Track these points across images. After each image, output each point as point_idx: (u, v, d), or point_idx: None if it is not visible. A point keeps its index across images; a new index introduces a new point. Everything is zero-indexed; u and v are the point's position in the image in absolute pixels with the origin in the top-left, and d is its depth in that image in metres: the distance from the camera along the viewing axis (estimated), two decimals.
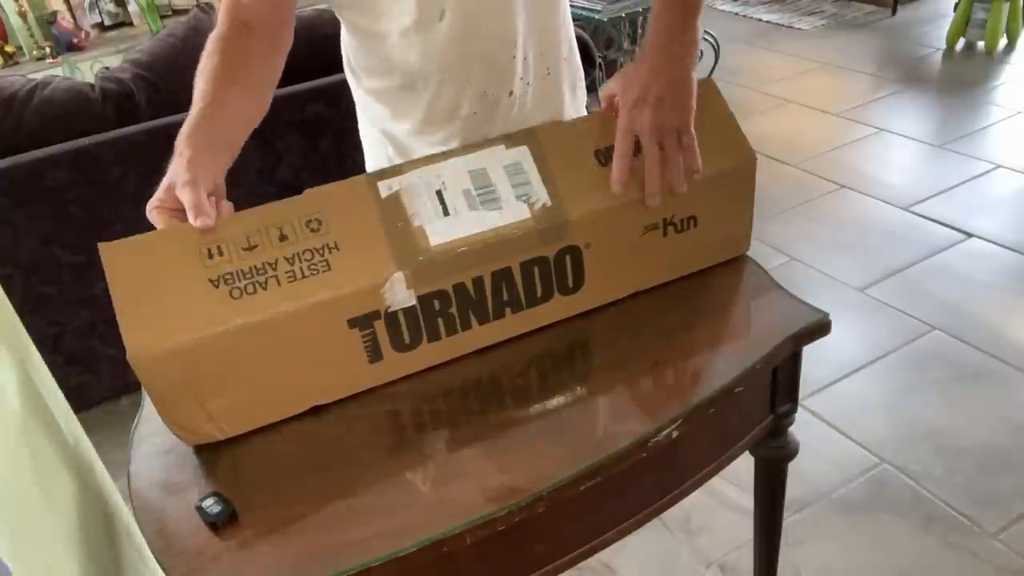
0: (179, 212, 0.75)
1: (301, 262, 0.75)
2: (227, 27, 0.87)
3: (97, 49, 3.68)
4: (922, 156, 2.93)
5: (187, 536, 0.69)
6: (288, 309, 0.74)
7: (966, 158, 2.83)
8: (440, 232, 0.79)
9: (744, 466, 0.97)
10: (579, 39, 2.04)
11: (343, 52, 1.06)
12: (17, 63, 3.60)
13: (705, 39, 3.35)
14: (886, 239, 2.46)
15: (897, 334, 2.06)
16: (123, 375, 0.74)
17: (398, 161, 1.05)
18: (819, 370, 1.96)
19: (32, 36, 3.63)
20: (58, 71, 3.41)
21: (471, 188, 0.81)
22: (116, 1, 3.89)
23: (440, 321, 0.82)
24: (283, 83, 1.91)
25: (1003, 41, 3.70)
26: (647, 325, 0.88)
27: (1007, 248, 2.33)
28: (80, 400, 1.69)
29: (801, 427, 0.94)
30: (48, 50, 3.57)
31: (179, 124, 0.81)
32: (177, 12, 3.86)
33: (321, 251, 0.76)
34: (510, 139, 0.84)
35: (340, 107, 1.14)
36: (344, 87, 1.10)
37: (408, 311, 0.80)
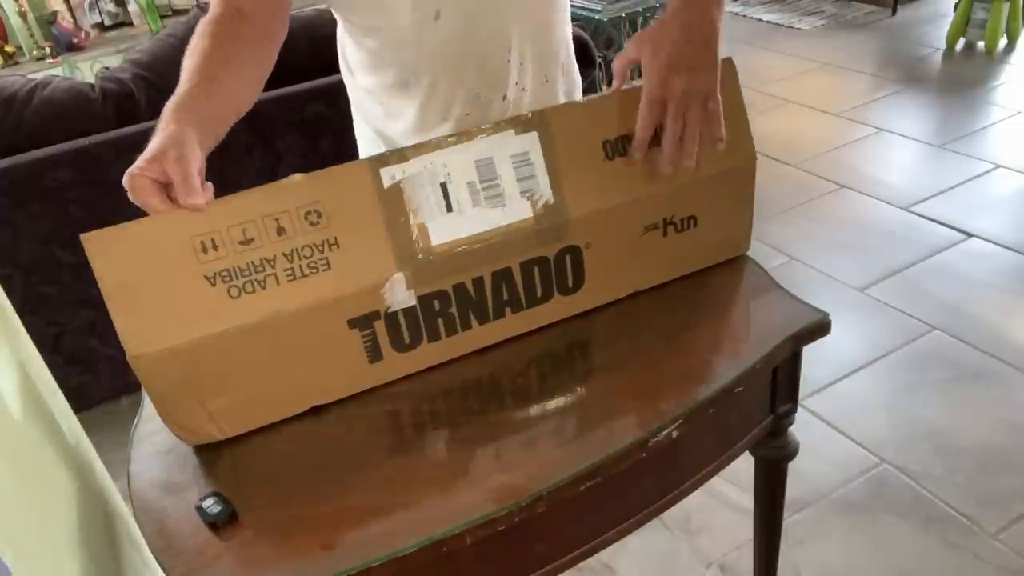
0: (161, 185, 0.70)
1: (300, 259, 0.74)
2: (220, 11, 0.85)
3: (97, 49, 3.68)
4: (922, 156, 2.93)
5: (187, 536, 0.69)
6: (288, 309, 0.74)
7: (966, 158, 2.83)
8: (442, 231, 0.78)
9: (744, 466, 0.97)
10: (579, 39, 2.04)
11: (339, 49, 1.06)
12: (17, 63, 3.60)
13: None
14: (886, 239, 2.46)
15: (897, 334, 2.06)
16: (123, 375, 0.74)
17: None
18: (819, 370, 1.96)
19: (32, 36, 3.63)
20: (58, 71, 3.41)
21: (476, 181, 0.79)
22: (116, 1, 3.89)
23: (440, 321, 0.82)
24: (283, 83, 1.92)
25: (1003, 41, 3.70)
26: (647, 325, 0.88)
27: (1007, 248, 2.33)
28: (80, 400, 1.69)
29: (801, 427, 0.94)
30: (48, 50, 3.57)
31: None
32: (177, 12, 3.86)
33: (321, 247, 0.74)
34: (521, 123, 0.80)
35: (340, 107, 1.14)
36: (344, 87, 1.10)
37: (408, 311, 0.80)
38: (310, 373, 0.79)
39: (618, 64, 0.82)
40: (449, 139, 0.78)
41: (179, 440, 0.78)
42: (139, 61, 1.93)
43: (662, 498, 0.83)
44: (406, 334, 0.81)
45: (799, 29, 4.31)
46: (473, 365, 0.85)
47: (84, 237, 0.69)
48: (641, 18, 3.26)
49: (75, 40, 3.64)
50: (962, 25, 3.73)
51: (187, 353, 0.72)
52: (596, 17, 3.17)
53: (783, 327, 0.84)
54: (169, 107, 0.75)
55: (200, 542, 0.68)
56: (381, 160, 0.76)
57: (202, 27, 0.84)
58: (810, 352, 0.87)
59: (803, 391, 1.01)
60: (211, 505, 0.70)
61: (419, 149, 0.77)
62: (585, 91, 1.17)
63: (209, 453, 0.78)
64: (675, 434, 0.74)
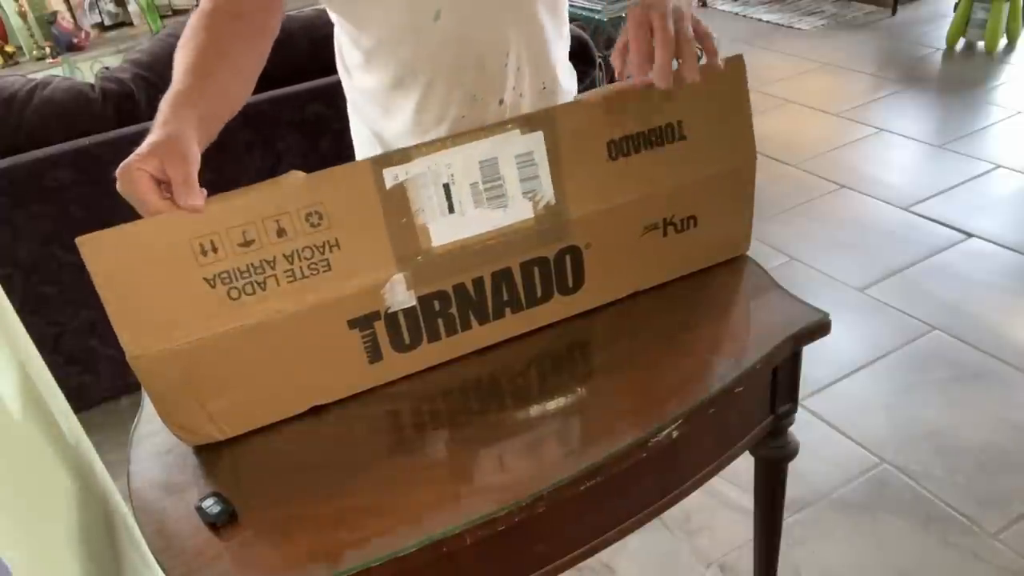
0: (157, 181, 0.68)
1: (300, 260, 0.73)
2: (214, 5, 0.83)
3: (97, 49, 3.68)
4: (922, 156, 2.93)
5: (187, 536, 0.69)
6: (288, 310, 0.74)
7: (966, 158, 2.83)
8: (443, 232, 0.78)
9: (744, 466, 0.97)
10: (579, 39, 2.04)
11: (336, 49, 1.05)
12: (17, 63, 3.60)
13: None
14: (886, 239, 2.46)
15: (897, 334, 2.06)
16: (123, 375, 0.74)
17: None
18: (819, 370, 1.96)
19: (32, 36, 3.63)
20: (58, 71, 3.41)
21: (479, 182, 0.78)
22: (116, 1, 3.89)
23: (440, 321, 0.82)
24: (283, 83, 1.92)
25: (1003, 41, 3.70)
26: (647, 325, 0.88)
27: (1007, 248, 2.33)
28: (80, 400, 1.69)
29: (801, 427, 0.94)
30: (48, 50, 3.57)
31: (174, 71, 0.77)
32: (177, 12, 3.87)
33: (321, 249, 0.74)
34: (528, 122, 0.79)
35: (340, 107, 1.14)
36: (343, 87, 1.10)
37: (408, 311, 0.80)
38: (310, 373, 0.79)
39: (617, 50, 0.80)
40: (455, 138, 0.77)
41: (179, 440, 0.78)
42: (139, 61, 1.93)
43: (662, 498, 0.83)
44: (406, 334, 0.81)
45: (799, 29, 4.31)
46: (473, 365, 0.85)
47: (80, 241, 0.68)
48: None
49: (75, 40, 3.65)
50: (962, 25, 3.73)
51: (187, 354, 0.72)
52: (596, 17, 3.17)
53: (783, 327, 0.84)
54: (166, 104, 0.73)
55: (200, 542, 0.68)
56: (384, 160, 0.75)
57: (197, 20, 0.82)
58: (810, 352, 0.87)
59: (803, 391, 1.01)
60: (211, 505, 0.70)
61: (423, 149, 0.76)
62: (585, 91, 1.17)
63: (209, 453, 0.78)
64: (675, 434, 0.74)
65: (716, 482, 1.18)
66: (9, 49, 3.61)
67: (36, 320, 1.87)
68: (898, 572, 1.48)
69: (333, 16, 0.99)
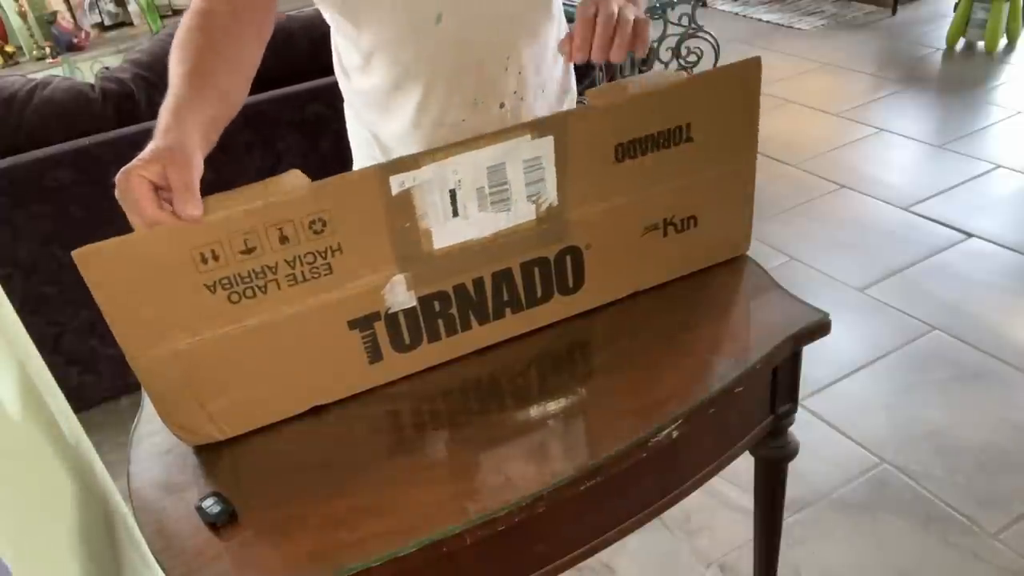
0: (156, 189, 0.67)
1: (302, 265, 0.73)
2: (208, 5, 0.82)
3: (97, 49, 3.68)
4: (922, 156, 2.93)
5: (187, 536, 0.69)
6: (288, 311, 0.74)
7: (966, 158, 2.83)
8: (445, 235, 0.78)
9: (744, 466, 0.97)
10: None
11: (333, 51, 1.04)
12: (17, 63, 3.60)
13: (705, 39, 3.35)
14: (886, 239, 2.46)
15: (897, 334, 2.06)
16: (123, 375, 0.74)
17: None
18: (819, 370, 1.96)
19: (32, 36, 3.63)
20: (58, 71, 3.41)
21: (485, 186, 0.77)
22: (116, 1, 3.89)
23: (440, 322, 0.82)
24: (283, 83, 1.92)
25: (1003, 41, 3.70)
26: (647, 325, 0.88)
27: (1007, 248, 2.33)
28: (80, 400, 1.69)
29: (801, 427, 0.94)
30: (48, 50, 3.57)
31: (170, 75, 0.76)
32: (177, 12, 3.86)
33: (324, 253, 0.73)
34: (539, 127, 0.77)
35: (340, 107, 1.13)
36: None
37: (408, 312, 0.80)
38: (310, 373, 0.79)
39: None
40: (465, 144, 0.75)
41: (179, 440, 0.78)
42: (139, 61, 1.93)
43: (662, 498, 0.83)
44: (406, 335, 0.81)
45: (799, 29, 4.31)
46: (473, 365, 0.85)
47: (77, 255, 0.66)
48: None
49: (75, 40, 3.65)
50: (962, 25, 3.73)
51: (187, 354, 0.72)
52: None
53: (783, 327, 0.84)
54: (167, 112, 0.72)
55: (200, 542, 0.68)
56: (392, 167, 0.73)
57: (191, 20, 0.81)
58: (810, 352, 0.87)
59: (803, 391, 1.01)
60: (211, 505, 0.70)
61: (433, 156, 0.74)
62: (584, 92, 1.17)
63: (209, 453, 0.78)
64: (675, 434, 0.74)
65: (716, 482, 1.18)
66: (9, 49, 3.61)
67: (36, 320, 1.86)
68: (898, 572, 1.48)
69: (329, 19, 0.98)
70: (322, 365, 0.79)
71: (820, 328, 0.84)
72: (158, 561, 0.67)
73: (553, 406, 0.79)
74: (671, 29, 3.34)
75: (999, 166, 2.75)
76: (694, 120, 0.83)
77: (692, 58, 3.36)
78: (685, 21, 3.33)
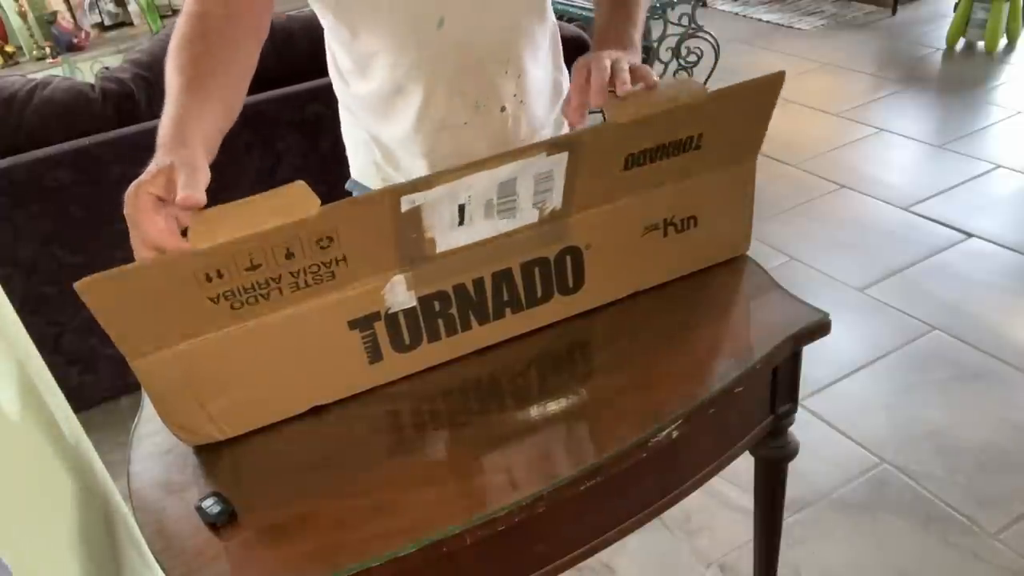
0: (162, 204, 0.67)
1: (306, 275, 0.72)
2: (204, 7, 0.81)
3: (97, 49, 3.68)
4: (922, 156, 2.93)
5: (187, 536, 0.69)
6: (288, 312, 0.74)
7: (966, 158, 2.83)
8: (449, 241, 0.77)
9: (744, 466, 0.97)
10: (578, 39, 2.04)
11: (328, 54, 1.03)
12: (17, 63, 3.60)
13: (705, 39, 3.35)
14: (886, 239, 2.46)
15: (897, 334, 2.06)
16: (123, 375, 0.74)
17: (385, 166, 1.03)
18: (819, 370, 1.96)
19: (32, 36, 3.63)
20: (58, 71, 3.42)
21: (494, 199, 0.77)
22: (116, 1, 3.89)
23: (440, 322, 0.82)
24: (283, 83, 1.92)
25: (1003, 41, 3.70)
26: (647, 325, 0.88)
27: (1007, 248, 2.33)
28: (80, 400, 1.69)
29: (801, 427, 0.94)
30: (48, 50, 3.58)
31: (168, 84, 0.76)
32: (177, 12, 3.86)
33: (328, 264, 0.72)
34: (556, 145, 0.77)
35: (338, 108, 1.13)
36: None
37: (408, 312, 0.80)
38: (310, 374, 0.79)
39: (565, 102, 0.87)
40: (482, 163, 0.74)
41: (179, 440, 0.78)
42: (139, 61, 1.93)
43: (662, 498, 0.83)
44: (406, 335, 0.81)
45: (799, 29, 4.31)
46: (473, 365, 0.85)
47: (79, 286, 0.64)
48: None
49: (75, 40, 3.65)
50: (962, 25, 3.74)
51: (187, 354, 0.72)
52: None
53: (783, 327, 0.84)
54: (172, 127, 0.72)
55: (200, 542, 0.68)
56: (405, 189, 0.72)
57: (187, 25, 0.81)
58: (810, 352, 0.86)
59: (803, 391, 1.01)
60: (211, 505, 0.70)
61: (446, 176, 0.73)
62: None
63: (209, 453, 0.78)
64: (675, 434, 0.74)
65: (716, 482, 1.18)
66: (9, 49, 3.61)
67: (36, 320, 1.87)
68: (898, 572, 1.48)
69: (326, 22, 0.97)
70: (322, 365, 0.79)
71: (820, 328, 0.84)
72: (158, 561, 0.67)
73: (553, 406, 0.79)
74: (671, 29, 3.34)
75: (999, 166, 2.75)
76: (707, 130, 0.83)
77: (692, 58, 3.36)
78: (685, 21, 3.33)
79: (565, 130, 1.11)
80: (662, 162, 0.83)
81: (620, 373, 0.82)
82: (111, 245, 1.89)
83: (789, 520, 1.56)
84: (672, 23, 3.33)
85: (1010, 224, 2.43)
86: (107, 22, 3.90)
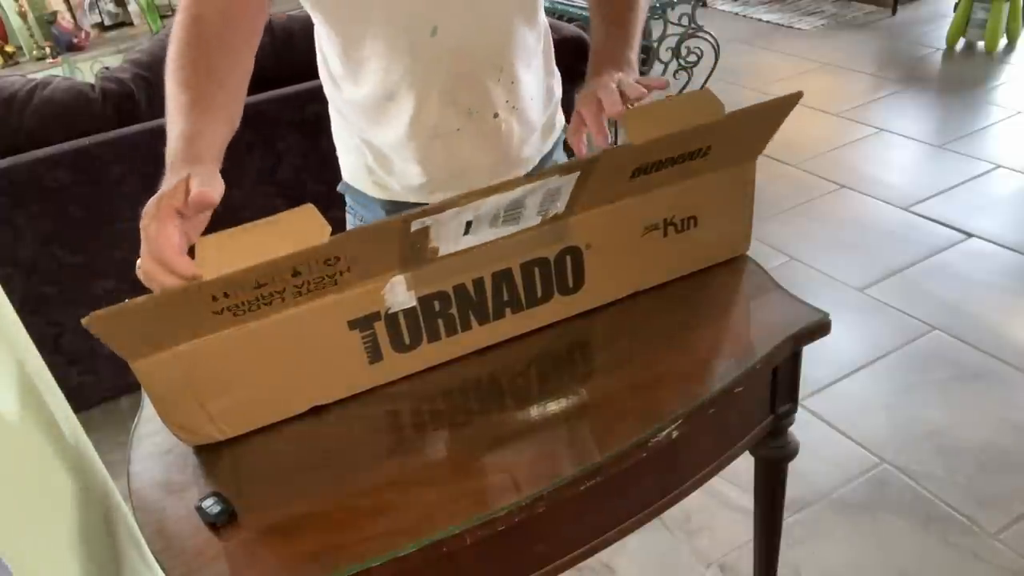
0: (180, 219, 0.68)
1: (310, 285, 0.72)
2: (200, 11, 0.81)
3: (97, 49, 3.68)
4: (922, 156, 2.93)
5: (187, 536, 0.69)
6: (289, 312, 0.74)
7: (966, 158, 2.83)
8: (451, 247, 0.78)
9: (744, 466, 0.97)
10: (577, 39, 2.04)
11: (319, 58, 1.02)
12: (17, 63, 3.60)
13: (705, 39, 3.35)
14: (886, 239, 2.46)
15: (897, 334, 2.06)
16: (123, 375, 0.74)
17: (378, 169, 1.03)
18: (819, 370, 1.96)
19: (32, 36, 3.64)
20: (58, 71, 3.42)
21: (500, 214, 0.77)
22: (116, 1, 3.89)
23: (440, 322, 0.82)
24: (283, 83, 1.92)
25: (1003, 41, 3.70)
26: (647, 325, 0.88)
27: (1007, 248, 2.33)
28: (80, 400, 1.69)
29: (801, 427, 0.94)
30: (48, 50, 3.58)
31: (171, 97, 0.77)
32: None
33: (333, 276, 0.73)
34: (571, 167, 0.77)
35: None
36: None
37: (408, 312, 0.80)
38: (310, 374, 0.79)
39: (572, 130, 0.89)
40: (495, 188, 0.74)
41: (179, 440, 0.78)
42: (139, 61, 1.93)
43: (662, 498, 0.83)
44: (406, 335, 0.81)
45: (799, 29, 4.31)
46: (473, 365, 0.85)
47: (90, 322, 0.63)
48: None
49: (75, 40, 3.65)
50: (962, 25, 3.74)
51: (187, 355, 0.72)
52: None
53: (783, 327, 0.84)
54: (183, 141, 0.73)
55: (200, 542, 0.68)
56: (416, 215, 0.71)
57: (185, 32, 0.81)
58: (810, 352, 0.87)
59: (803, 391, 1.01)
60: (211, 505, 0.70)
61: (459, 201, 0.72)
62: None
63: (209, 453, 0.78)
64: (675, 434, 0.74)
65: (716, 482, 1.18)
66: (9, 49, 3.61)
67: (36, 320, 1.87)
68: (898, 572, 1.48)
69: (318, 26, 0.97)
70: (322, 365, 0.79)
71: (820, 328, 0.84)
72: (158, 561, 0.67)
73: (553, 406, 0.79)
74: (671, 29, 3.34)
75: (999, 166, 2.75)
76: (715, 142, 0.83)
77: (692, 58, 3.36)
78: (685, 21, 3.33)
79: (557, 133, 1.11)
80: (667, 169, 0.83)
81: (620, 373, 0.82)
82: (111, 245, 1.89)
83: (789, 520, 1.56)
84: (672, 23, 3.33)
85: (1010, 224, 2.44)
86: (107, 22, 3.90)
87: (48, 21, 3.63)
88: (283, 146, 1.97)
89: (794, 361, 0.87)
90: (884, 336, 2.06)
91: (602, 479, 0.71)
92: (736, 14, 4.68)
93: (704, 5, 4.88)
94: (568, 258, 0.85)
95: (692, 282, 0.93)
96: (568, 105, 1.00)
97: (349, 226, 1.13)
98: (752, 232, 0.95)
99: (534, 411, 0.79)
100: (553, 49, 1.08)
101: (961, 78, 3.49)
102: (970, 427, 1.76)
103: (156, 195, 0.68)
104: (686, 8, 3.32)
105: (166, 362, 0.72)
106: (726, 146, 0.85)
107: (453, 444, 0.77)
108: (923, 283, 2.23)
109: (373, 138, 1.01)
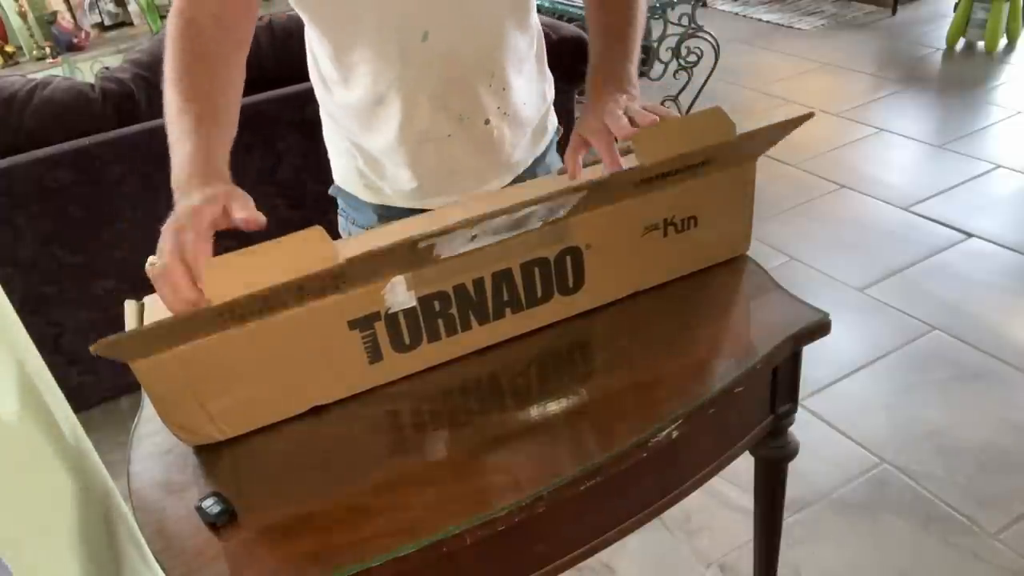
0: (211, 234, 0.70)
1: (312, 292, 0.73)
2: (193, 15, 0.82)
3: (97, 49, 3.68)
4: (922, 156, 2.93)
5: (187, 536, 0.69)
6: (289, 313, 0.74)
7: (966, 158, 2.83)
8: (454, 253, 0.78)
9: (744, 466, 0.97)
10: (577, 39, 2.04)
11: (309, 59, 1.02)
12: (17, 63, 3.60)
13: (705, 39, 3.35)
14: (886, 239, 2.46)
15: (897, 334, 2.06)
16: (123, 375, 0.74)
17: (369, 173, 1.03)
18: (819, 370, 1.96)
19: (32, 36, 3.64)
20: (58, 71, 3.42)
21: (503, 226, 0.78)
22: (116, 1, 3.89)
23: (440, 322, 0.82)
24: (283, 83, 1.92)
25: (1003, 41, 3.70)
26: (647, 325, 0.88)
27: (1007, 248, 2.33)
28: (80, 400, 1.69)
29: (801, 427, 0.94)
30: (48, 50, 3.58)
31: (178, 110, 0.78)
32: None
33: (336, 285, 0.74)
34: (580, 187, 0.77)
35: None
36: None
37: (408, 312, 0.80)
38: (310, 374, 0.79)
39: (572, 150, 0.88)
40: (506, 209, 0.74)
41: (179, 440, 0.78)
42: (139, 61, 1.93)
43: (662, 498, 0.83)
44: (406, 335, 0.81)
45: (799, 29, 4.32)
46: (473, 365, 0.85)
47: (97, 350, 0.64)
48: None
49: (75, 40, 3.65)
50: (962, 25, 3.74)
51: (187, 355, 0.72)
52: None
53: (783, 327, 0.84)
54: (199, 156, 0.74)
55: (200, 542, 0.68)
56: (424, 237, 0.72)
57: (182, 37, 0.81)
58: (810, 352, 0.87)
59: (803, 391, 1.01)
60: (211, 505, 0.70)
61: (467, 223, 0.72)
62: (580, 93, 1.17)
63: (209, 453, 0.78)
64: (675, 434, 0.74)
65: (716, 482, 1.18)
66: (9, 49, 3.61)
67: (36, 320, 1.87)
68: (898, 572, 1.48)
69: (310, 30, 0.97)
70: (322, 365, 0.79)
71: (820, 328, 0.84)
72: (158, 561, 0.67)
73: (553, 406, 0.79)
74: (671, 29, 3.34)
75: (999, 166, 2.75)
76: (723, 153, 0.84)
77: (692, 58, 3.36)
78: (685, 21, 3.33)
79: (550, 135, 1.11)
80: (671, 176, 0.84)
81: (620, 373, 0.82)
82: (111, 245, 1.89)
83: (789, 520, 1.56)
84: (672, 23, 3.33)
85: (1010, 224, 2.44)
86: (107, 22, 3.90)
87: (48, 21, 3.63)
88: (283, 146, 1.97)
89: (794, 361, 0.87)
90: (884, 336, 2.06)
91: (602, 479, 0.71)
92: (736, 14, 4.69)
93: (704, 5, 4.88)
94: (568, 258, 0.85)
95: (692, 282, 0.93)
96: (564, 106, 1.00)
97: (341, 228, 1.13)
98: (752, 232, 0.95)
99: (534, 411, 0.79)
100: (546, 52, 1.08)
101: (961, 78, 3.49)
102: (970, 427, 1.76)
103: (187, 206, 0.70)
104: (686, 8, 3.32)
105: (166, 362, 0.72)
106: (731, 154, 0.86)
107: (453, 444, 0.77)
108: (923, 283, 2.23)
109: (364, 142, 1.01)
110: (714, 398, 0.77)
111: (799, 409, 0.93)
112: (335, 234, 1.08)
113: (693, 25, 3.32)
